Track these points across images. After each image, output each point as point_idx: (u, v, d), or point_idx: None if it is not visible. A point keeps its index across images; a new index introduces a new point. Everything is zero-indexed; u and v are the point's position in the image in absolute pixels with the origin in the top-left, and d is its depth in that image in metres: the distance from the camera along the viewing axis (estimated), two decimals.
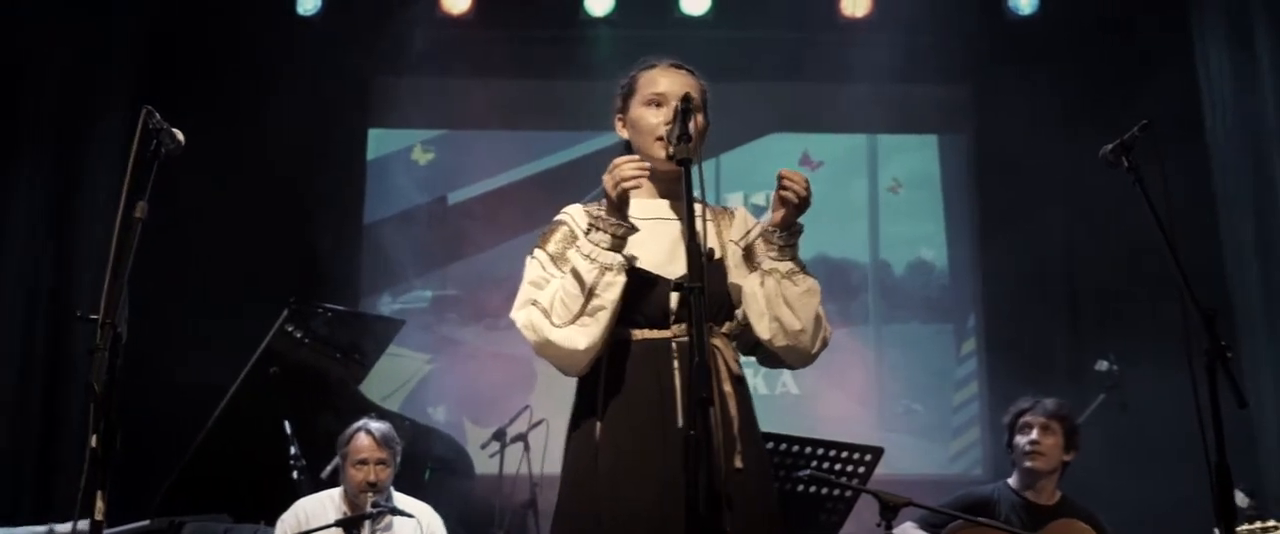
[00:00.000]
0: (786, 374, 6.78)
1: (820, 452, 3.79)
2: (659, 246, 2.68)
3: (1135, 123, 2.92)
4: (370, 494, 4.37)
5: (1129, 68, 6.65)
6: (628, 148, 2.80)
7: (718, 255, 2.72)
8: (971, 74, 7.25)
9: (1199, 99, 6.47)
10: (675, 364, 2.58)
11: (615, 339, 2.61)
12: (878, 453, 3.87)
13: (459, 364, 6.98)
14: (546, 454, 5.48)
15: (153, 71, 6.60)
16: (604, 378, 2.62)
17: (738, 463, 2.55)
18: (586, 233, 2.60)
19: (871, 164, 7.44)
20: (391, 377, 6.67)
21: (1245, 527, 3.38)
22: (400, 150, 7.41)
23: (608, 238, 2.56)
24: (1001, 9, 6.93)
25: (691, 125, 2.56)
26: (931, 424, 7.14)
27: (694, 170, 2.49)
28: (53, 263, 6.23)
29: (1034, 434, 4.18)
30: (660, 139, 2.66)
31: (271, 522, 4.52)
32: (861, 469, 3.85)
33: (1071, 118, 6.53)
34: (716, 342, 2.63)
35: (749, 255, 2.74)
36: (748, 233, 2.78)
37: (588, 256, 2.56)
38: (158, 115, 2.73)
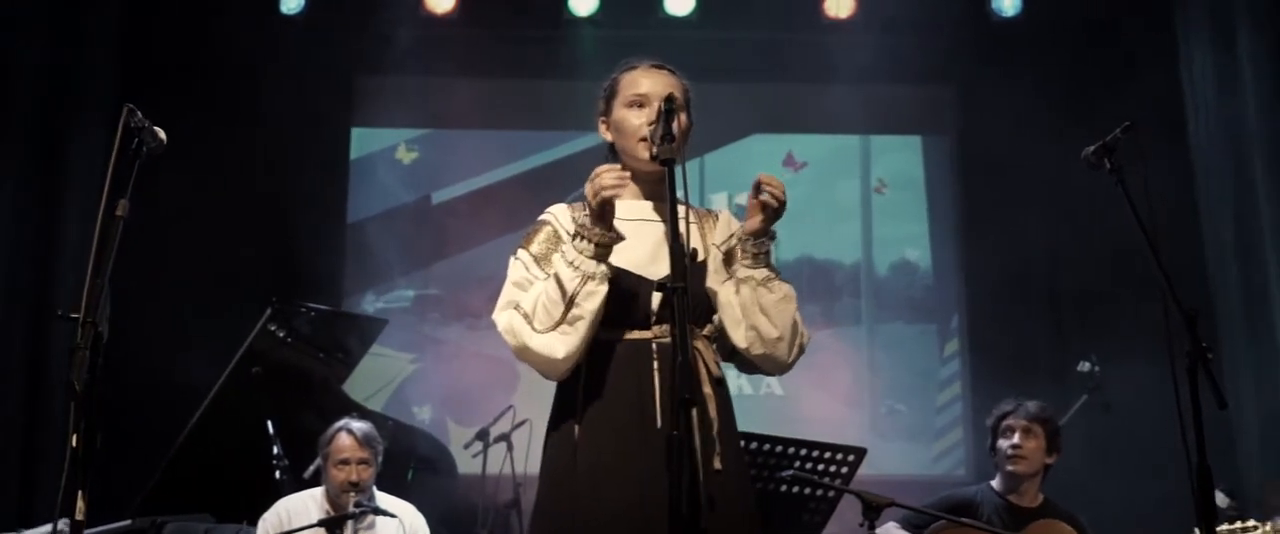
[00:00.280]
0: None
1: (803, 452, 3.81)
2: (642, 247, 2.67)
3: (1118, 124, 2.92)
4: (352, 494, 4.36)
5: (1112, 69, 6.67)
6: (612, 149, 2.80)
7: (701, 257, 2.71)
8: (955, 75, 7.25)
9: (1182, 101, 6.50)
10: (655, 365, 2.58)
11: (596, 340, 2.60)
12: (861, 453, 3.88)
13: (442, 364, 6.97)
14: (529, 454, 5.45)
15: (135, 70, 6.57)
16: (584, 378, 2.61)
17: (717, 464, 2.55)
18: (573, 238, 2.59)
19: (856, 165, 7.45)
20: (375, 376, 6.65)
21: (1225, 527, 3.38)
22: (384, 149, 7.39)
23: (591, 246, 2.56)
24: (985, 10, 6.94)
25: (675, 125, 2.54)
26: (915, 425, 7.15)
27: (677, 171, 2.48)
28: (33, 261, 6.19)
29: (1016, 438, 4.17)
30: (644, 140, 2.64)
31: (253, 521, 4.50)
32: (844, 469, 3.86)
33: (1055, 119, 6.53)
34: (698, 343, 2.63)
35: (730, 260, 2.73)
36: (730, 237, 2.77)
37: (571, 264, 2.55)
38: (139, 113, 2.71)
